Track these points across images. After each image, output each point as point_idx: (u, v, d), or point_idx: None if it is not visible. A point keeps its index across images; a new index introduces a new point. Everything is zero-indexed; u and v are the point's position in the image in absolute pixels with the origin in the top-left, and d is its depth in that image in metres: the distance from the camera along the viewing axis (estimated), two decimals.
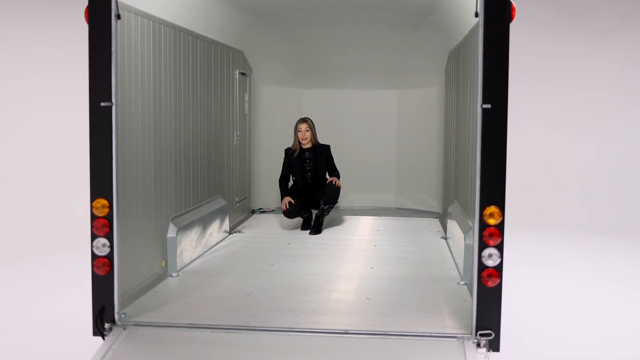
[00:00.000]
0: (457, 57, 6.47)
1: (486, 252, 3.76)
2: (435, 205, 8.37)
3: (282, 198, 7.07)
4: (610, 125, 10.80)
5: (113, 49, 3.82)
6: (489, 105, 3.72)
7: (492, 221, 3.75)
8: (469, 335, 3.79)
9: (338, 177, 7.19)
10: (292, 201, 6.96)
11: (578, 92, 10.81)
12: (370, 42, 7.93)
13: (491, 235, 3.75)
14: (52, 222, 9.26)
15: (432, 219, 7.98)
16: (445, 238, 6.70)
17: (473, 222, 4.90)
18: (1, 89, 9.68)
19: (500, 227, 3.75)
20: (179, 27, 5.43)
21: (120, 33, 4.12)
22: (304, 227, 7.15)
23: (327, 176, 7.24)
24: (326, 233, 6.99)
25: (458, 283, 5.00)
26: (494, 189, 3.75)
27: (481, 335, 3.75)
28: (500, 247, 3.76)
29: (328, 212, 7.07)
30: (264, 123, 8.61)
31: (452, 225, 6.16)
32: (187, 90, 5.71)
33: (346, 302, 4.54)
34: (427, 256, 6.00)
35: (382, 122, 8.95)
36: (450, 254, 6.03)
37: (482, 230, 3.76)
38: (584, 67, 10.79)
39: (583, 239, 9.76)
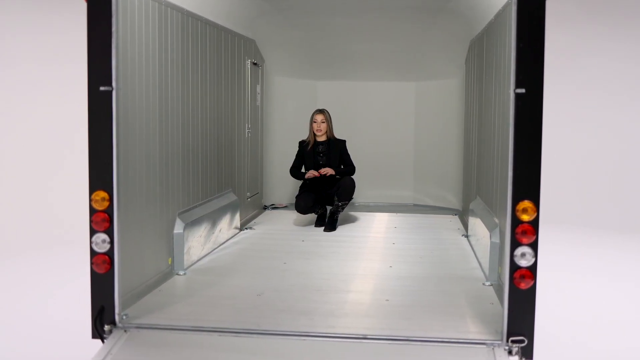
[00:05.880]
0: (479, 45, 6.15)
1: (519, 251, 3.45)
2: (454, 202, 8.05)
3: (303, 178, 6.83)
4: (631, 121, 10.41)
5: (113, 29, 3.54)
6: (522, 90, 3.40)
7: (525, 217, 3.43)
8: (500, 342, 3.48)
9: (353, 171, 6.88)
10: (316, 173, 6.72)
11: (599, 88, 10.41)
12: (386, 31, 7.62)
13: (524, 232, 3.43)
14: (47, 217, 8.97)
15: (451, 216, 7.66)
16: (467, 236, 6.39)
17: (500, 219, 4.61)
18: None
19: (535, 223, 3.43)
20: (187, 11, 5.14)
21: (123, 14, 3.85)
22: (317, 223, 6.85)
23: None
24: (341, 230, 6.70)
25: (483, 284, 4.68)
26: (528, 182, 3.43)
27: (513, 341, 3.44)
28: (534, 246, 3.44)
29: (343, 208, 6.77)
30: (276, 116, 8.33)
31: (475, 223, 5.84)
32: (195, 78, 5.43)
33: (364, 304, 4.25)
34: (449, 255, 5.69)
35: (399, 115, 8.64)
36: (472, 252, 5.72)
37: (514, 227, 3.44)
38: (604, 63, 10.39)
39: (613, 237, 9.35)
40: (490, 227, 4.87)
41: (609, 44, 10.38)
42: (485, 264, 4.88)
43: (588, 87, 10.42)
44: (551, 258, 7.78)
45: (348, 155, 6.97)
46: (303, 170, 6.98)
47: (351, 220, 7.22)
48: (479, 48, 6.18)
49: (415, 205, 8.58)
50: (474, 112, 6.58)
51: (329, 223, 6.71)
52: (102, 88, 3.54)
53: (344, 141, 6.99)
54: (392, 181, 8.70)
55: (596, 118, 10.44)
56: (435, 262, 5.41)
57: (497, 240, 4.62)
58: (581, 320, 5.89)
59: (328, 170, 6.74)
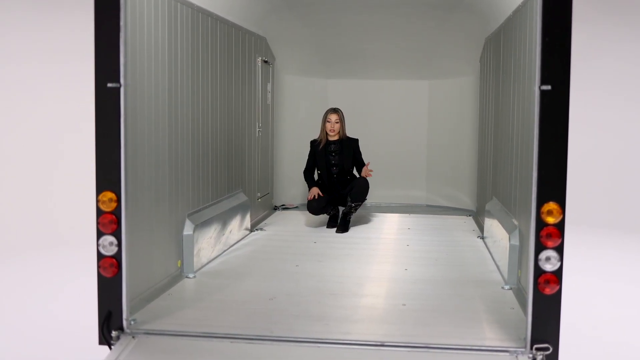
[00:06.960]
0: (496, 42, 6.00)
1: (543, 254, 3.30)
2: (468, 203, 7.90)
3: (310, 189, 6.65)
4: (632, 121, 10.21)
5: (121, 23, 3.41)
6: (548, 87, 3.25)
7: (550, 219, 3.28)
8: (523, 349, 3.33)
9: None
10: (320, 194, 6.53)
11: (599, 88, 10.20)
12: (399, 29, 7.47)
13: (549, 235, 3.29)
14: (48, 218, 8.84)
15: (465, 216, 7.50)
16: (482, 237, 6.23)
17: (520, 221, 4.46)
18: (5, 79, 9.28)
19: (560, 226, 3.29)
20: (197, 6, 5.01)
21: (131, 8, 3.72)
22: (330, 224, 6.71)
23: (355, 172, 6.80)
24: (354, 231, 6.55)
25: (502, 287, 4.53)
26: (553, 183, 3.29)
27: (537, 349, 3.30)
28: (560, 250, 3.30)
29: (356, 209, 6.63)
30: (287, 114, 8.20)
31: (491, 224, 5.69)
32: (205, 76, 5.30)
33: (380, 309, 4.10)
34: (465, 257, 5.54)
35: (411, 114, 8.49)
36: (489, 254, 5.57)
37: (539, 230, 3.29)
38: (610, 63, 10.18)
39: (613, 237, 9.10)
40: (509, 229, 4.72)
41: (622, 44, 10.18)
42: (504, 267, 4.74)
43: (592, 87, 10.21)
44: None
45: (361, 154, 6.82)
46: (316, 172, 6.85)
47: (363, 221, 7.08)
48: (496, 45, 6.03)
49: (428, 205, 8.43)
50: (489, 111, 6.42)
51: (341, 224, 6.57)
52: (109, 85, 3.42)
53: (357, 140, 6.84)
54: (404, 181, 8.56)
55: (596, 117, 10.24)
56: (451, 264, 5.27)
57: (516, 242, 4.48)
58: (591, 323, 5.71)
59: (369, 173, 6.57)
